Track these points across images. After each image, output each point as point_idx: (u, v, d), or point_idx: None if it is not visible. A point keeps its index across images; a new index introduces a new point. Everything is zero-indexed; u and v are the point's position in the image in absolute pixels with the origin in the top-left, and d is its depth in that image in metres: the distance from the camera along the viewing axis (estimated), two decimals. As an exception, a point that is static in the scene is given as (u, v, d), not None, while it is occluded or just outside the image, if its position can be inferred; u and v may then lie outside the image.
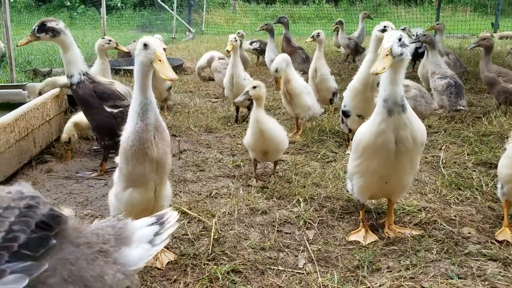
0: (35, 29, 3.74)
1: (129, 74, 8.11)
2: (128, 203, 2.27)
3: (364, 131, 2.74)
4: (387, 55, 2.47)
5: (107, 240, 1.71)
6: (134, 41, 12.55)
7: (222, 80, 5.62)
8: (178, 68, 8.92)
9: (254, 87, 3.62)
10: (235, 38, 5.28)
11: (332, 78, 5.63)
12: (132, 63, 9.79)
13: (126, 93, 4.61)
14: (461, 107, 5.25)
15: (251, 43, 9.64)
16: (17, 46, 3.88)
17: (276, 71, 4.74)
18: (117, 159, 2.41)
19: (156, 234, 1.83)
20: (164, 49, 5.96)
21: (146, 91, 2.16)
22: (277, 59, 4.80)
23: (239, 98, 3.74)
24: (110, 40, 5.13)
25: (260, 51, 9.90)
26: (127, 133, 2.19)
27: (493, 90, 5.59)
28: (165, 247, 2.33)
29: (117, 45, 5.20)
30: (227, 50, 5.30)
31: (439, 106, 5.64)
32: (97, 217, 3.11)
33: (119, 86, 4.80)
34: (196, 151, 4.56)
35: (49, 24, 3.72)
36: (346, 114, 4.59)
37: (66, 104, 4.89)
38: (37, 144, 4.14)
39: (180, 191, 3.60)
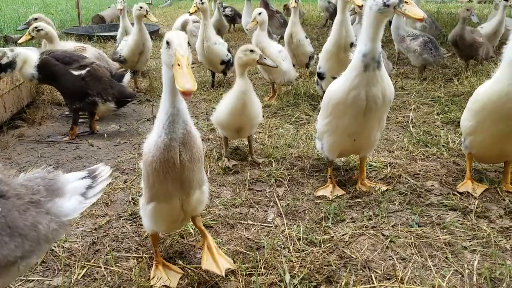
0: None
1: (102, 41, 7.97)
2: (152, 217, 2.02)
3: (336, 88, 2.76)
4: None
5: (37, 191, 1.73)
6: (109, 7, 12.23)
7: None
8: (154, 34, 8.76)
9: (260, 13, 3.50)
10: (201, 0, 5.19)
11: (308, 42, 5.62)
12: (106, 29, 9.61)
13: (97, 57, 4.55)
14: (445, 55, 5.71)
15: (224, 9, 9.48)
16: None
17: (260, 14, 4.73)
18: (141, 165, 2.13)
19: (89, 187, 1.87)
20: (120, 10, 5.96)
21: (175, 97, 1.79)
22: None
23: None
24: (141, 7, 5.31)
25: (231, 19, 9.74)
26: (148, 145, 1.88)
27: (474, 50, 5.68)
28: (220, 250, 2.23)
29: (147, 13, 5.39)
30: (189, 12, 5.21)
31: (421, 65, 5.75)
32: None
33: (90, 50, 4.74)
34: (171, 115, 4.56)
35: (2, 62, 3.67)
36: (321, 76, 4.63)
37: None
38: (8, 109, 4.09)
39: (153, 153, 3.62)
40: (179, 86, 1.58)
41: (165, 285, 2.09)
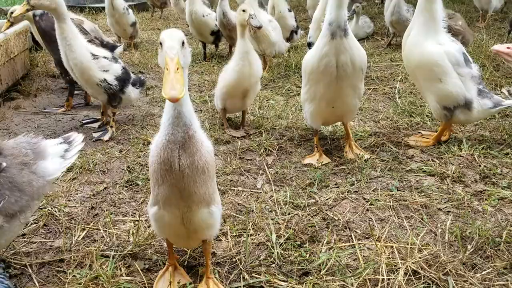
0: None
1: (94, 12, 7.94)
2: (154, 221, 1.95)
3: (309, 57, 2.91)
4: None
5: (26, 154, 1.97)
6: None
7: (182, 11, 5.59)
8: (144, 5, 8.71)
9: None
10: None
11: (290, 15, 5.66)
12: (98, 0, 9.50)
13: (93, 30, 4.59)
14: None
15: None
16: None
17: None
18: None
19: (66, 150, 2.15)
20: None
21: None
22: None
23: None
24: None
25: None
26: (152, 146, 1.83)
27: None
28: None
29: None
30: None
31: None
32: (66, 148, 3.25)
33: (87, 23, 4.77)
34: (164, 87, 4.64)
35: None
36: (310, 46, 4.71)
37: (30, 42, 4.84)
38: (3, 81, 4.16)
39: (147, 124, 3.75)
40: (164, 93, 1.51)
41: None
